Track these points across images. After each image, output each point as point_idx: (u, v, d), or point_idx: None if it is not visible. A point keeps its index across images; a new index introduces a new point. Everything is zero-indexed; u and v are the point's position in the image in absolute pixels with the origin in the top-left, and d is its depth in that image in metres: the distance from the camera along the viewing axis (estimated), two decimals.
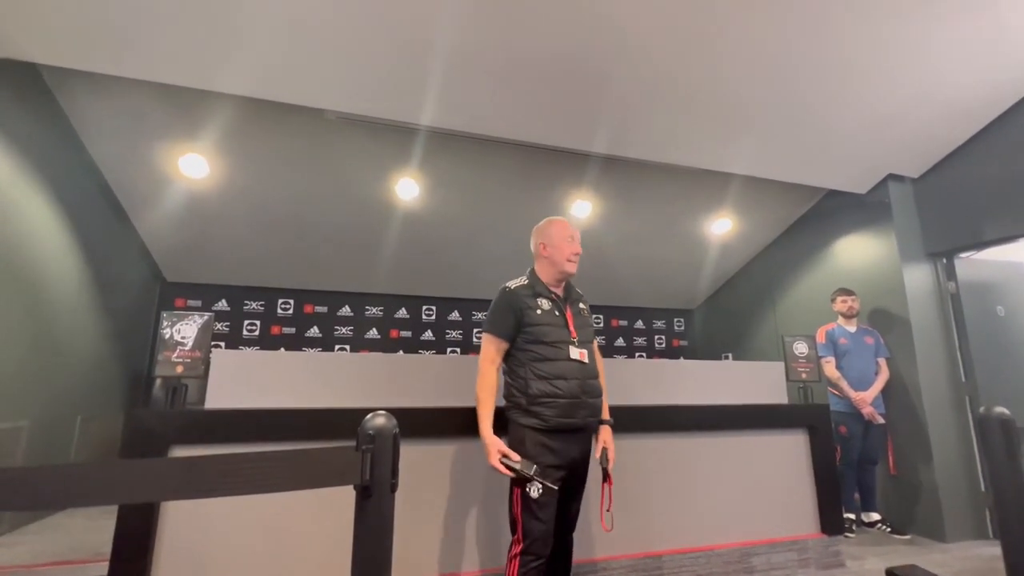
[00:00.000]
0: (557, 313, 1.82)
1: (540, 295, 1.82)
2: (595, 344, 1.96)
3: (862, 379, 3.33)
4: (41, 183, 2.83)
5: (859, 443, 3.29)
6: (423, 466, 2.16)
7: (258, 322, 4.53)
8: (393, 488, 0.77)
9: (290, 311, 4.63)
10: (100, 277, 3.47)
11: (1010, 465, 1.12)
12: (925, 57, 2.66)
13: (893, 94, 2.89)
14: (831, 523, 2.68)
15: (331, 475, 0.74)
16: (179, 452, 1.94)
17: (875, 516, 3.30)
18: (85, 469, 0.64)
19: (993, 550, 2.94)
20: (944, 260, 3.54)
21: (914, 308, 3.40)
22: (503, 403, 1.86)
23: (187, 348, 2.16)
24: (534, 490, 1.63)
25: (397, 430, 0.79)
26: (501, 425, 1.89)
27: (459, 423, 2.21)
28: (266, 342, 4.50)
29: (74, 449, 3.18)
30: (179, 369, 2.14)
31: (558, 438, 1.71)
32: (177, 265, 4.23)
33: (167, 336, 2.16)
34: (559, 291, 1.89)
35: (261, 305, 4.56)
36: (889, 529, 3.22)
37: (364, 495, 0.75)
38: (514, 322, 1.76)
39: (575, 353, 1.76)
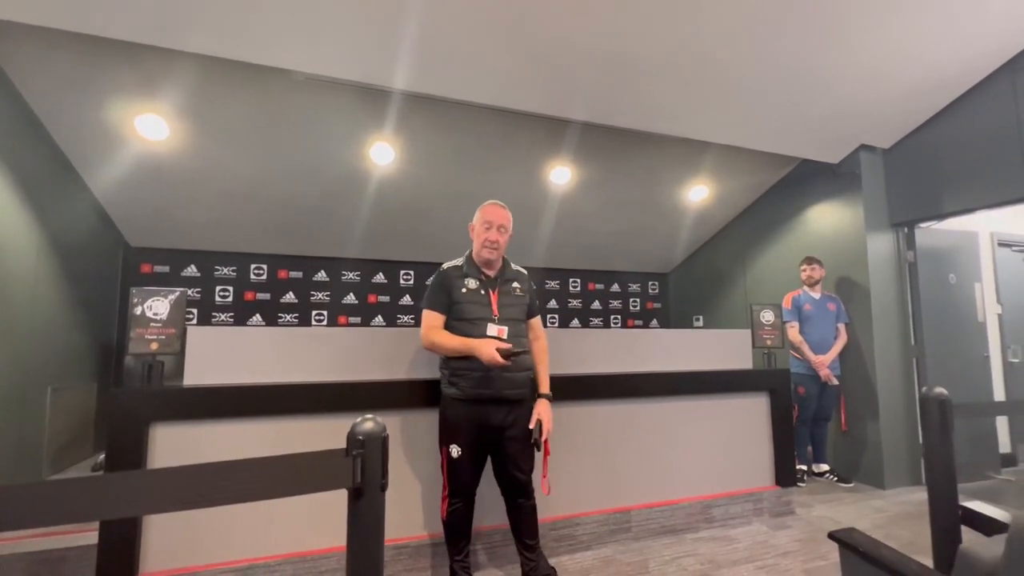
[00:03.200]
0: (483, 292, 1.99)
1: (468, 276, 2.00)
2: (534, 321, 2.15)
3: (822, 343, 3.53)
4: None
5: (815, 402, 3.53)
6: (409, 432, 2.24)
7: (231, 288, 4.43)
8: (383, 488, 0.81)
9: (264, 276, 4.53)
10: (58, 244, 3.30)
11: (943, 439, 1.24)
12: (901, 29, 2.66)
13: (870, 67, 2.90)
14: (784, 476, 2.93)
15: (323, 479, 0.77)
16: (160, 430, 1.96)
17: (824, 467, 3.61)
18: (65, 486, 0.65)
19: (925, 495, 3.27)
20: (906, 230, 3.70)
21: (874, 276, 3.57)
22: (437, 374, 2.08)
23: (160, 325, 2.11)
24: (455, 451, 1.91)
25: (386, 434, 0.83)
26: (435, 395, 2.08)
27: (424, 395, 2.28)
28: (240, 308, 4.42)
29: (47, 421, 3.14)
30: (153, 346, 2.10)
31: (474, 407, 1.91)
32: (141, 230, 4.05)
33: (138, 313, 2.11)
34: (490, 272, 2.05)
35: (233, 270, 4.44)
36: (836, 478, 3.53)
37: (356, 496, 0.79)
38: (446, 298, 1.95)
39: (492, 330, 1.93)
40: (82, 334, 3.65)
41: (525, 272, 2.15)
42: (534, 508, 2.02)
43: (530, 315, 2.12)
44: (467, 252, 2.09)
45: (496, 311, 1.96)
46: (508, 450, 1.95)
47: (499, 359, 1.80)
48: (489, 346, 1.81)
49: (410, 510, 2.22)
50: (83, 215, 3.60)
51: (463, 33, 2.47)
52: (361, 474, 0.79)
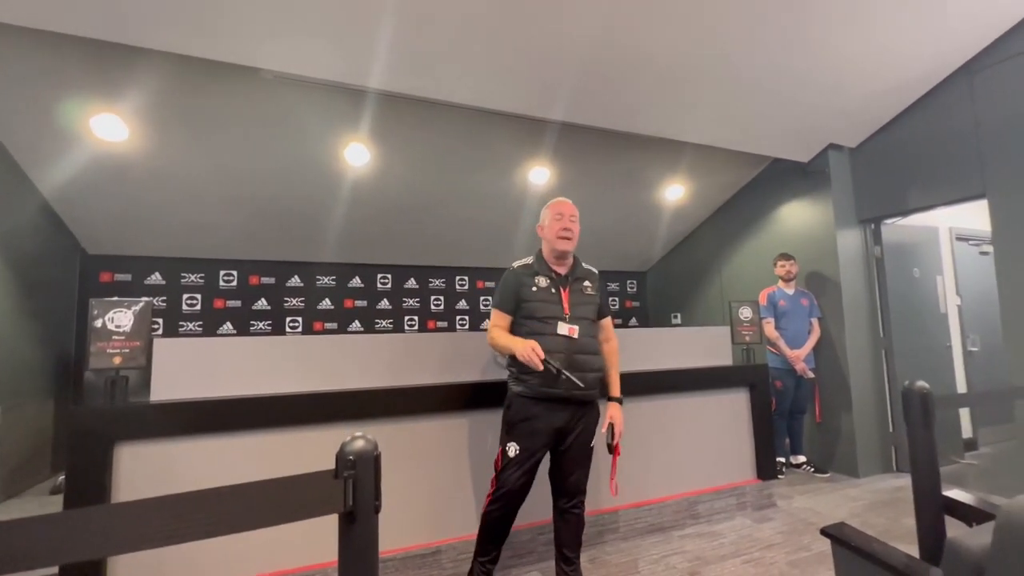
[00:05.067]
0: (553, 291, 1.94)
1: (539, 274, 1.96)
2: (605, 321, 2.10)
3: (797, 338, 3.62)
4: None
5: (791, 396, 3.62)
6: (384, 444, 2.17)
7: (199, 296, 4.24)
8: (377, 510, 0.77)
9: (233, 283, 4.36)
10: (4, 251, 3.10)
11: (926, 433, 1.27)
12: (867, 32, 2.74)
13: (836, 66, 2.98)
14: (765, 469, 2.98)
15: (312, 505, 0.72)
16: (126, 449, 1.84)
17: (801, 458, 3.70)
18: (13, 529, 0.58)
19: (897, 481, 3.40)
20: (872, 226, 3.83)
21: (844, 271, 3.68)
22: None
23: (123, 338, 1.99)
24: (512, 450, 1.85)
25: (378, 452, 0.78)
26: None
27: (417, 401, 2.22)
28: (209, 317, 4.25)
29: None
30: (117, 360, 1.97)
31: (541, 405, 1.85)
32: (99, 236, 3.84)
33: (98, 325, 1.98)
34: (561, 269, 2.00)
35: (200, 277, 4.26)
36: (813, 469, 3.62)
37: (348, 520, 0.74)
38: (514, 298, 1.92)
39: (563, 328, 1.88)
40: (36, 348, 3.43)
41: (596, 272, 2.08)
42: (582, 520, 1.96)
43: (600, 315, 2.05)
44: (537, 251, 2.05)
45: (567, 309, 1.90)
46: (569, 455, 1.89)
47: (534, 359, 1.74)
48: (526, 348, 1.76)
49: (402, 522, 2.15)
50: (32, 220, 3.38)
51: (440, 32, 2.42)
52: (353, 497, 0.74)
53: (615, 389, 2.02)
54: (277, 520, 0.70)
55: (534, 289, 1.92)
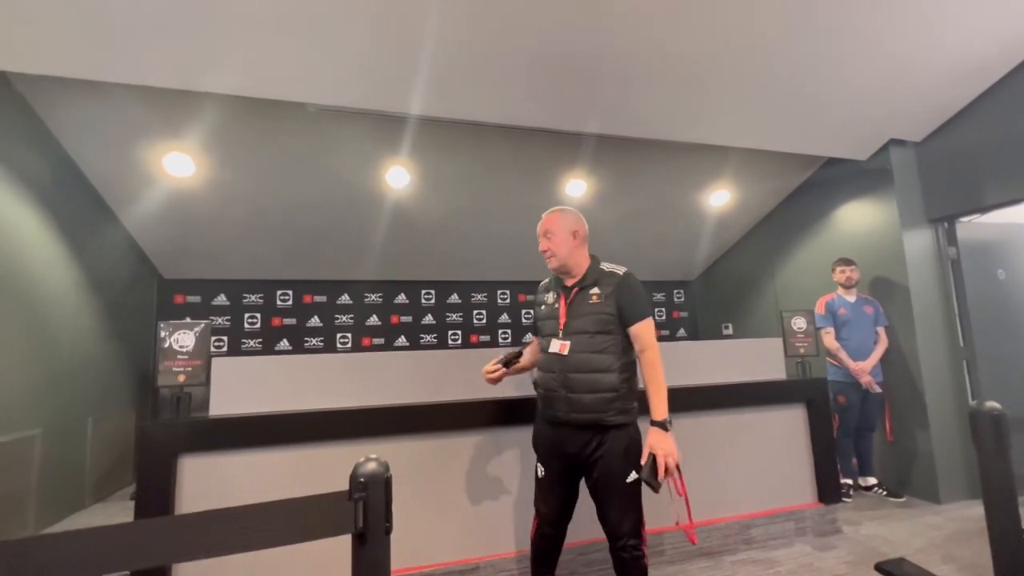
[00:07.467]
0: (556, 305, 1.82)
1: (550, 289, 1.90)
2: (634, 329, 1.70)
3: (861, 349, 3.35)
4: (23, 189, 2.78)
5: (857, 411, 3.34)
6: (427, 459, 2.21)
7: (259, 315, 4.55)
8: (387, 531, 0.79)
9: (289, 302, 4.63)
10: (95, 279, 3.47)
11: (999, 459, 1.14)
12: (925, 17, 2.54)
13: (893, 57, 2.77)
14: (828, 493, 2.76)
15: (325, 526, 0.75)
16: (188, 461, 1.99)
17: (872, 480, 3.39)
18: (68, 539, 0.65)
19: None
20: (945, 225, 3.50)
21: (914, 275, 3.38)
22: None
23: (187, 357, 2.17)
24: (540, 470, 1.83)
25: (389, 474, 0.80)
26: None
27: (460, 416, 2.25)
28: (268, 334, 4.53)
29: (88, 451, 3.26)
30: (181, 378, 2.16)
31: (551, 428, 1.80)
32: (172, 262, 4.22)
33: (166, 346, 2.17)
34: (568, 281, 1.80)
35: (260, 298, 4.56)
36: (885, 492, 3.31)
37: (360, 541, 0.77)
38: (535, 318, 1.94)
39: (555, 346, 1.73)
40: (120, 365, 3.80)
41: (619, 272, 1.74)
42: (639, 564, 1.63)
43: (626, 322, 1.69)
44: None
45: (561, 324, 1.72)
46: (596, 490, 1.68)
47: (489, 378, 1.91)
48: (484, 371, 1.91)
49: (445, 536, 2.18)
50: (119, 251, 3.77)
51: (472, 56, 2.49)
52: (364, 518, 0.76)
53: (654, 411, 1.63)
54: (292, 539, 0.74)
55: (543, 307, 1.87)
